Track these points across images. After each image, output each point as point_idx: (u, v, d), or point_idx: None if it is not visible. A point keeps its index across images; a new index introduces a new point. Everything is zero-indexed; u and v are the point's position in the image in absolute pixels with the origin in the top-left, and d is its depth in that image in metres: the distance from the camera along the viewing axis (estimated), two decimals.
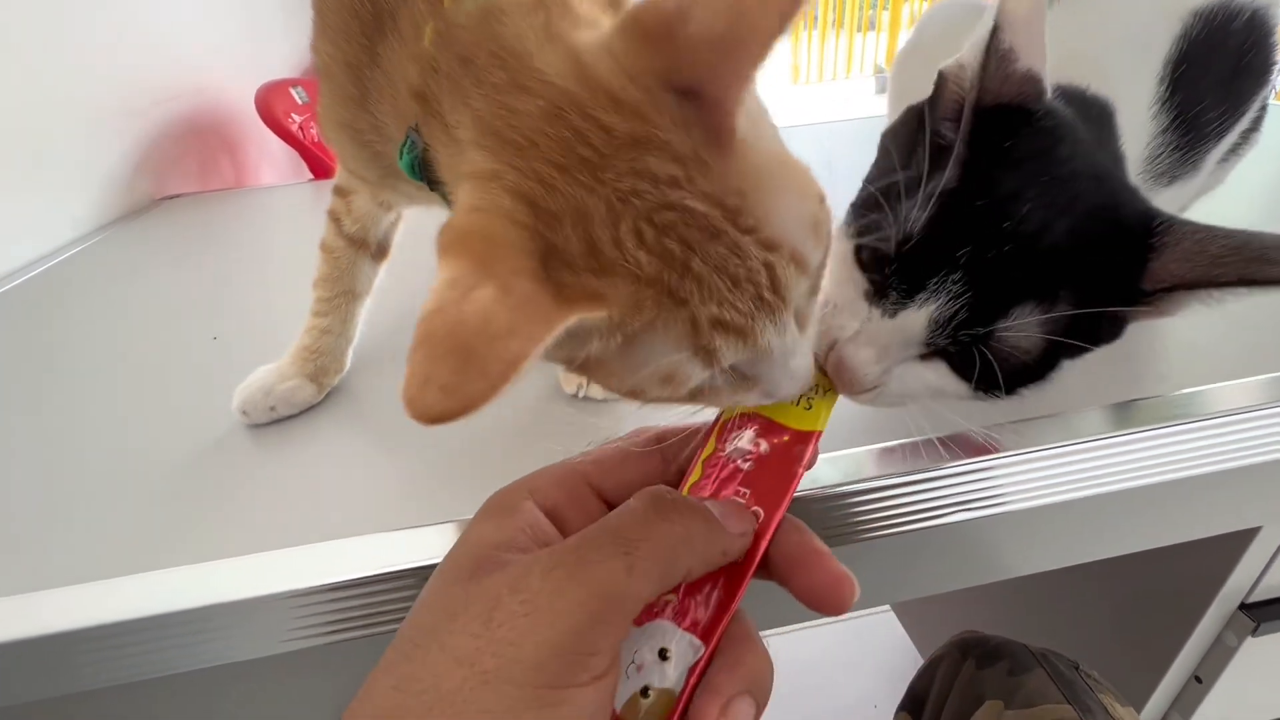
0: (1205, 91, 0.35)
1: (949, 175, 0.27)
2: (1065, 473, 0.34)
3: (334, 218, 0.45)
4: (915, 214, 0.27)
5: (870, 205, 0.29)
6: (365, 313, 0.46)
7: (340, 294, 0.45)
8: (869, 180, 0.32)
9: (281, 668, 0.32)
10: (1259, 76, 0.35)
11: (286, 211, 0.92)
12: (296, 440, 0.40)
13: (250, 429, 0.41)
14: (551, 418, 0.39)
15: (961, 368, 0.27)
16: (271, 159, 1.23)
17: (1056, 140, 0.28)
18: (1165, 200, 0.36)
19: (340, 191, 0.44)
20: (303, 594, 0.30)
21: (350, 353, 0.46)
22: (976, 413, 0.35)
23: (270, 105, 1.08)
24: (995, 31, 0.27)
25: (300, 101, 1.17)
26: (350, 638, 0.31)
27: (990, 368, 0.26)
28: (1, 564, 0.32)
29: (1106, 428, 0.35)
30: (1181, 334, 0.42)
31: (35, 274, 0.70)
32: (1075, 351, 0.28)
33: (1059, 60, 0.29)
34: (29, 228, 0.75)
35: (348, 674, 0.33)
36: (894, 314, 0.27)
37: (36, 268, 0.71)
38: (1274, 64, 0.35)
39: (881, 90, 6.29)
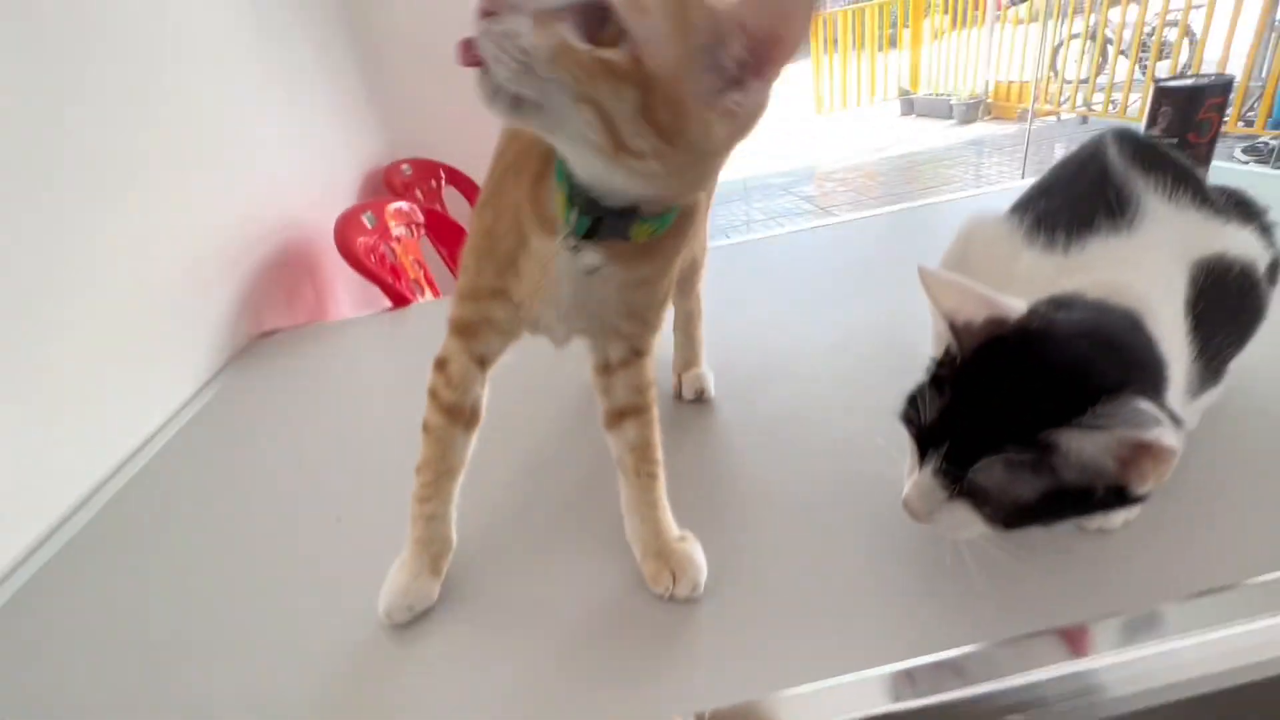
0: (1219, 327, 0.41)
1: (948, 393, 0.38)
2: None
3: (432, 394, 0.51)
4: (930, 413, 0.39)
5: (913, 402, 0.40)
6: (459, 487, 0.52)
7: (442, 474, 0.51)
8: (910, 396, 0.41)
9: None
10: (1256, 314, 0.41)
11: (372, 341, 1.02)
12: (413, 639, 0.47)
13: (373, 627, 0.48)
14: (640, 616, 0.46)
15: (974, 506, 0.37)
16: (347, 280, 1.35)
17: (1020, 351, 0.36)
18: (1197, 406, 0.44)
19: (439, 364, 0.51)
20: None
21: (454, 530, 0.52)
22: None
23: (348, 238, 1.19)
24: (950, 324, 0.38)
25: (369, 225, 1.28)
26: None
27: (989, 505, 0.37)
28: None
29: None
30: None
31: (166, 441, 0.80)
32: (1069, 507, 0.36)
33: (1104, 286, 0.40)
34: (155, 393, 0.86)
35: None
36: (921, 469, 0.39)
37: (167, 433, 0.82)
38: (1267, 304, 0.41)
39: (907, 112, 6.27)
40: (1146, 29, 4.44)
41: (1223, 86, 0.97)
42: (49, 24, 0.75)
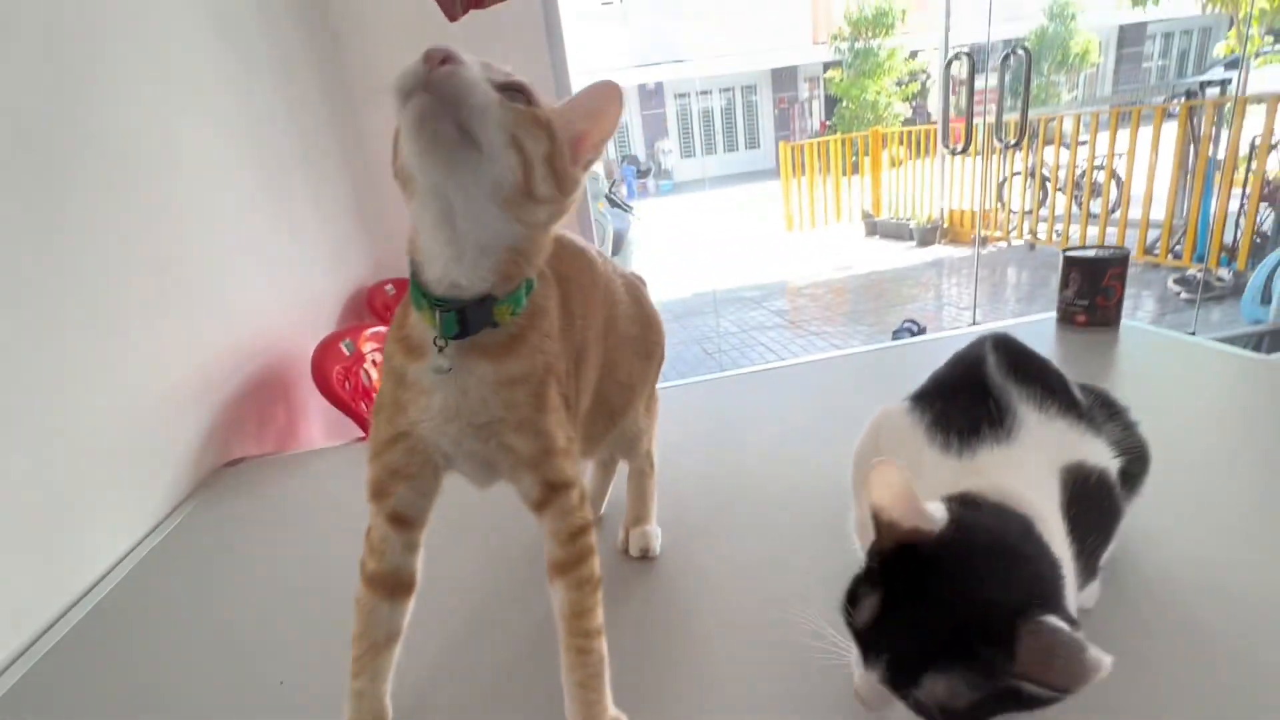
0: (1090, 526, 0.46)
1: (874, 598, 0.40)
2: None
3: (360, 564, 0.52)
4: (866, 613, 0.40)
5: (851, 597, 0.42)
6: (396, 658, 0.52)
7: (368, 649, 0.51)
8: (849, 590, 0.43)
9: None
10: (1115, 515, 0.47)
11: (338, 473, 1.04)
12: None
13: None
14: None
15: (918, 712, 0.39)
16: (321, 404, 1.38)
17: (942, 569, 0.39)
18: (1083, 597, 0.47)
19: (366, 533, 0.52)
20: None
21: (389, 705, 0.52)
22: None
23: (324, 370, 1.24)
24: (875, 516, 0.40)
25: (347, 353, 1.34)
26: None
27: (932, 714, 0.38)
28: None
29: None
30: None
31: (114, 585, 0.79)
32: (1004, 705, 0.36)
33: (997, 489, 0.43)
34: (107, 533, 0.86)
35: None
36: (866, 669, 0.40)
37: (116, 575, 0.81)
38: (1122, 507, 0.47)
39: (870, 233, 6.74)
40: (1078, 171, 4.93)
41: (1120, 259, 1.10)
42: (37, 136, 0.81)
